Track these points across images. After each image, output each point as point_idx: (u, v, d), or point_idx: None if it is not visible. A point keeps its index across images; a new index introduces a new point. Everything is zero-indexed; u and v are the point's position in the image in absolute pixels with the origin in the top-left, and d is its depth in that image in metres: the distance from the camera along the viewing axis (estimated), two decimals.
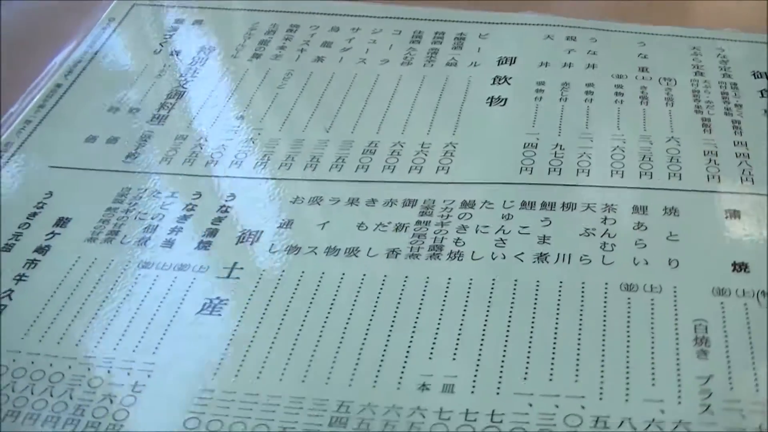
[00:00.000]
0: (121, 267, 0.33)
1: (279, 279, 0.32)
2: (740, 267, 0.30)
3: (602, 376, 0.27)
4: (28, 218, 0.36)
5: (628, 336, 0.28)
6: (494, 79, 0.41)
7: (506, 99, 0.39)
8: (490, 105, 0.39)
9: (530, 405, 0.27)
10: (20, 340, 0.31)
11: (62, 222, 0.36)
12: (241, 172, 0.37)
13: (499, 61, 0.42)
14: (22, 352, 0.30)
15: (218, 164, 0.38)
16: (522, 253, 0.32)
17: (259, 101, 0.41)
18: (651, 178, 0.34)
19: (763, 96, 0.39)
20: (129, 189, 0.37)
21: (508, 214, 0.33)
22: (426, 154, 0.37)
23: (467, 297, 0.30)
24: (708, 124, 0.37)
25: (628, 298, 0.30)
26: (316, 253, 0.33)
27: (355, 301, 0.31)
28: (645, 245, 0.31)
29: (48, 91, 0.43)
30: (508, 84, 0.40)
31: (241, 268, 0.33)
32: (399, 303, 0.30)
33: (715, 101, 0.38)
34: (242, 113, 0.41)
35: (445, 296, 0.31)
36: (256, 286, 0.32)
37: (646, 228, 0.32)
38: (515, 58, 0.42)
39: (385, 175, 0.36)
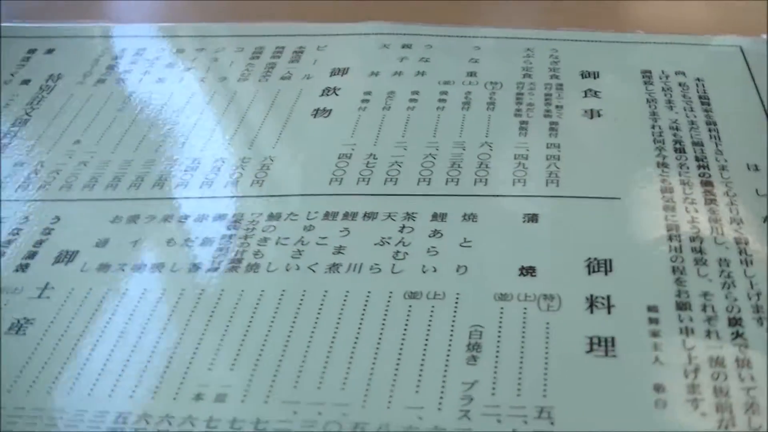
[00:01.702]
0: None
1: (85, 297, 0.32)
2: (527, 271, 0.30)
3: (369, 384, 0.27)
4: None
5: (402, 343, 0.28)
6: (324, 90, 0.41)
7: (331, 110, 0.39)
8: (315, 117, 0.39)
9: (295, 413, 0.26)
10: None
11: None
12: (69, 195, 0.37)
13: (331, 72, 0.42)
14: None
15: (48, 189, 0.37)
16: (316, 263, 0.31)
17: (97, 126, 0.41)
18: (457, 184, 0.34)
19: (586, 96, 0.38)
20: None
21: (310, 225, 0.33)
22: (243, 169, 0.36)
23: (255, 308, 0.30)
24: (525, 126, 0.37)
25: (410, 306, 0.29)
26: (123, 270, 0.32)
27: (151, 314, 0.31)
28: (437, 252, 0.31)
29: None
30: (336, 95, 0.40)
31: (53, 288, 0.32)
32: (191, 315, 0.30)
33: (537, 103, 0.38)
34: (79, 138, 0.40)
35: (235, 308, 0.30)
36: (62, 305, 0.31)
37: (442, 235, 0.32)
38: (347, 68, 0.42)
39: (203, 190, 0.36)
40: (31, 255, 0.34)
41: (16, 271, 0.33)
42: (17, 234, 0.35)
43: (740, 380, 0.26)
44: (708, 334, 0.28)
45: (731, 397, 0.26)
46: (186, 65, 0.44)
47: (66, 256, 0.34)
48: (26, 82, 0.45)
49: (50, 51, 0.47)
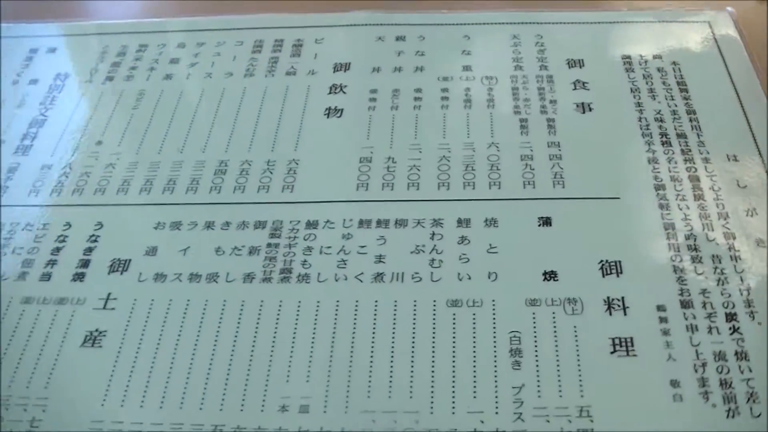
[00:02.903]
0: (4, 305, 0.35)
1: (150, 308, 0.35)
2: (550, 276, 0.34)
3: (432, 391, 0.31)
4: None
5: (454, 351, 0.32)
6: (330, 88, 0.43)
7: (342, 110, 0.42)
8: (328, 117, 0.42)
9: (373, 422, 0.31)
10: None
11: None
12: (105, 200, 0.39)
13: (334, 67, 0.45)
14: None
15: (83, 193, 0.40)
16: (361, 273, 0.35)
17: (116, 125, 0.43)
18: (474, 188, 0.38)
19: (575, 88, 0.42)
20: (2, 224, 0.39)
21: (348, 234, 0.36)
22: (272, 173, 0.39)
23: (315, 319, 0.34)
24: (525, 125, 0.41)
25: (454, 314, 0.33)
26: (180, 280, 0.36)
27: (219, 328, 0.34)
28: (468, 260, 0.35)
29: None
30: (344, 93, 0.43)
31: (115, 299, 0.35)
32: (257, 328, 0.34)
33: (532, 98, 0.42)
34: (100, 138, 0.42)
35: (297, 319, 0.34)
36: (130, 316, 0.34)
37: (469, 242, 0.36)
38: (349, 64, 0.45)
39: (237, 196, 0.39)
40: (85, 264, 0.37)
41: (74, 280, 0.36)
42: (64, 241, 0.38)
43: (740, 372, 0.31)
44: (710, 330, 0.33)
45: (734, 389, 0.31)
46: (190, 61, 0.46)
47: (120, 266, 0.37)
48: (34, 81, 0.46)
49: (52, 50, 0.48)
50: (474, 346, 0.33)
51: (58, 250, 0.37)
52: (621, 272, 0.34)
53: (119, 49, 0.48)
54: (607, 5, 0.47)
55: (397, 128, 0.41)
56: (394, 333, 0.33)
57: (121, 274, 0.36)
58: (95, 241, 0.38)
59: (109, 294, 0.35)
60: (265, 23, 0.48)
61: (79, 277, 0.36)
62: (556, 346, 0.32)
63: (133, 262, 0.36)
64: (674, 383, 0.31)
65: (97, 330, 0.34)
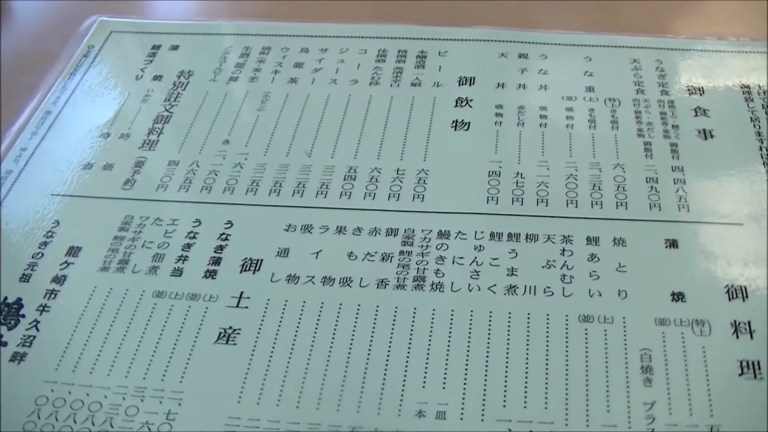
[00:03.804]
0: (137, 297, 0.37)
1: (284, 308, 0.36)
2: (678, 296, 0.36)
3: (567, 403, 0.33)
4: (40, 247, 0.39)
5: (587, 365, 0.34)
6: (456, 101, 0.45)
7: (469, 123, 0.44)
8: (455, 129, 0.44)
9: (509, 431, 0.32)
10: (54, 371, 0.35)
11: (73, 251, 0.39)
12: (234, 198, 0.41)
13: (459, 81, 0.46)
14: (58, 382, 0.34)
15: (212, 191, 0.41)
16: (494, 285, 0.37)
17: (242, 125, 0.45)
18: (601, 207, 0.39)
19: (696, 115, 0.43)
20: (132, 217, 0.40)
21: (480, 246, 0.38)
22: (401, 181, 0.41)
23: (450, 328, 0.35)
24: (649, 148, 0.42)
25: (586, 329, 0.35)
26: (314, 283, 0.37)
27: (354, 331, 0.35)
28: (598, 277, 0.37)
29: (39, 119, 0.46)
30: (470, 107, 0.45)
31: (248, 297, 0.37)
32: (392, 333, 0.35)
33: (655, 122, 0.43)
34: (227, 137, 0.44)
35: (431, 326, 0.35)
36: (264, 316, 0.36)
37: (599, 259, 0.37)
38: (474, 78, 0.46)
39: (367, 202, 0.40)
40: (216, 261, 0.38)
41: (206, 277, 0.38)
42: (194, 238, 0.39)
43: None
44: None
45: None
46: (314, 66, 0.48)
47: (252, 265, 0.38)
48: (158, 77, 0.48)
49: (175, 47, 0.50)
50: (606, 362, 0.34)
51: (188, 246, 0.39)
52: (747, 297, 0.36)
53: (242, 50, 0.49)
54: (716, 33, 0.48)
55: (524, 144, 0.42)
56: (528, 345, 0.34)
57: (254, 273, 0.38)
58: (226, 239, 0.39)
59: (242, 293, 0.37)
60: (388, 33, 0.49)
61: (210, 274, 0.38)
62: (686, 365, 0.34)
63: (264, 263, 0.38)
64: None
65: (230, 327, 0.36)
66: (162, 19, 0.52)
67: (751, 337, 0.34)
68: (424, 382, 0.34)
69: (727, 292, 0.36)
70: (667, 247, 0.38)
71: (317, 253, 0.38)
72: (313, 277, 0.37)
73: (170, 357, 0.35)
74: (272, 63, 0.48)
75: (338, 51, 0.49)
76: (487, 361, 0.34)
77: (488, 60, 0.47)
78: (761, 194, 0.39)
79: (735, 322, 0.35)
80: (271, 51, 0.49)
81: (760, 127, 0.43)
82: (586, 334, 0.35)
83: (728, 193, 0.40)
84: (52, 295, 0.37)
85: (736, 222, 0.38)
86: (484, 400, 0.33)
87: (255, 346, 0.35)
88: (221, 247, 0.39)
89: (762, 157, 0.41)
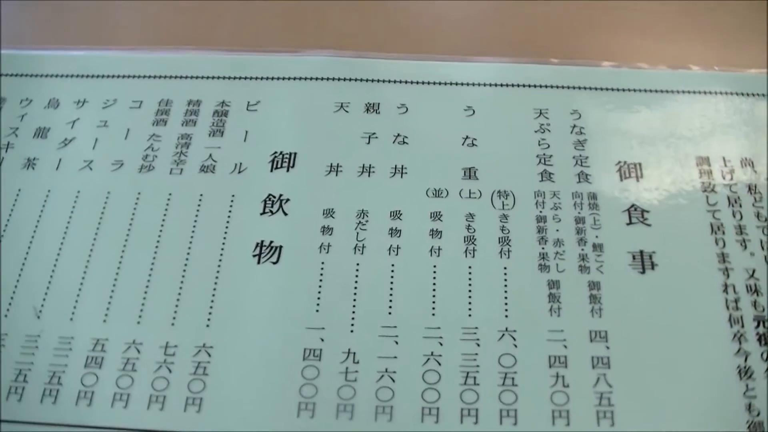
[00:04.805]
0: None
1: None
2: None
3: None
4: None
5: None
6: (265, 202, 0.30)
7: (280, 249, 0.29)
8: (259, 261, 0.28)
9: None
10: None
11: None
12: None
13: (273, 161, 0.30)
14: None
15: None
16: None
17: None
18: (476, 422, 0.25)
19: (630, 222, 0.29)
20: None
21: None
22: (170, 369, 0.26)
23: None
24: (555, 294, 0.28)
25: None
26: None
27: None
28: None
29: None
30: (284, 213, 0.29)
31: None
32: None
33: (567, 240, 0.29)
34: None
35: None
36: None
37: None
38: (294, 155, 0.30)
39: (116, 412, 0.26)
40: None
41: None
42: None
43: None
44: None
45: None
46: (63, 133, 0.32)
47: None
48: None
49: None
50: None
51: None
52: None
53: None
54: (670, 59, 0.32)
55: (361, 293, 0.28)
56: None
57: None
58: None
59: None
60: (177, 68, 0.33)
61: None
62: None
63: None
64: None
65: None
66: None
67: None
68: None
69: None
70: None
71: None
72: None
73: None
74: (5, 128, 0.31)
75: (101, 104, 0.32)
76: None
77: (319, 116, 0.31)
78: (731, 383, 0.25)
79: None
80: (6, 104, 0.32)
81: (724, 245, 0.27)
82: None
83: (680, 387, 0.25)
84: None
85: None
86: None
87: None
88: None
89: (728, 308, 0.26)
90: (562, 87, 0.32)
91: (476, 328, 0.27)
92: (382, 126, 0.31)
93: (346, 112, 0.31)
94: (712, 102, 0.31)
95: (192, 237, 0.29)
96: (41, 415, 0.26)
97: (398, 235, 0.28)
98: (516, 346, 0.26)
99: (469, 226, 0.28)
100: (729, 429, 0.25)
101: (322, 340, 0.26)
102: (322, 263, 0.28)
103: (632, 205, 0.29)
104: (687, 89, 0.32)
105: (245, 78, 0.32)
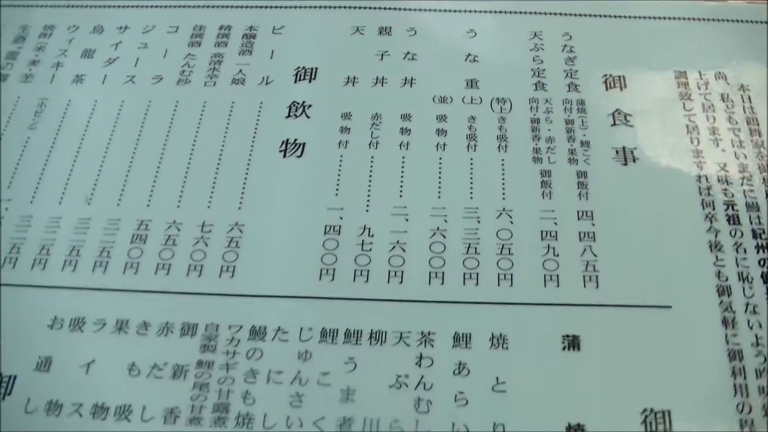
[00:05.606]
0: None
1: None
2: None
3: None
4: None
5: None
6: (290, 107, 0.33)
7: (304, 145, 0.33)
8: (284, 155, 0.32)
9: None
10: None
11: None
12: None
13: (296, 74, 0.35)
14: None
15: None
16: (322, 418, 0.26)
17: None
18: (477, 284, 0.29)
19: (614, 123, 0.33)
20: None
21: (305, 352, 0.27)
22: (206, 243, 0.30)
23: None
24: (547, 182, 0.31)
25: None
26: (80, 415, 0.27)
27: None
28: (466, 402, 0.26)
29: None
30: (307, 116, 0.33)
31: None
32: None
33: (557, 137, 0.32)
34: None
35: None
36: None
37: (469, 372, 0.27)
38: (316, 69, 0.34)
39: (159, 279, 0.29)
40: None
41: None
42: None
43: None
44: None
45: None
46: (107, 54, 0.36)
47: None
48: None
49: None
50: None
51: None
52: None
53: (18, 31, 0.37)
54: None
55: (376, 178, 0.32)
56: None
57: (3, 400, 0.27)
58: None
59: None
60: None
61: None
62: None
63: (18, 382, 0.27)
64: None
65: None
66: None
67: None
68: None
69: (645, 420, 0.25)
70: (564, 348, 0.26)
71: (88, 365, 0.27)
72: (81, 405, 0.26)
73: None
74: (54, 50, 0.35)
75: (141, 29, 0.35)
76: None
77: (338, 38, 0.35)
78: (702, 255, 0.28)
79: None
80: (55, 31, 0.36)
81: (699, 143, 0.31)
82: None
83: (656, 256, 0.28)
84: None
85: (663, 304, 0.27)
86: None
87: None
88: None
89: (701, 194, 0.30)
90: (556, 14, 0.35)
91: (477, 208, 0.30)
92: (394, 45, 0.35)
93: (362, 34, 0.35)
94: (690, 26, 0.35)
95: (225, 137, 0.32)
96: (92, 282, 0.29)
97: (408, 133, 0.32)
98: (512, 222, 0.30)
99: (470, 126, 0.32)
100: (699, 290, 0.28)
101: (341, 218, 0.30)
102: (341, 156, 0.31)
103: (616, 110, 0.32)
104: (670, 15, 0.35)
105: (271, 7, 0.36)
